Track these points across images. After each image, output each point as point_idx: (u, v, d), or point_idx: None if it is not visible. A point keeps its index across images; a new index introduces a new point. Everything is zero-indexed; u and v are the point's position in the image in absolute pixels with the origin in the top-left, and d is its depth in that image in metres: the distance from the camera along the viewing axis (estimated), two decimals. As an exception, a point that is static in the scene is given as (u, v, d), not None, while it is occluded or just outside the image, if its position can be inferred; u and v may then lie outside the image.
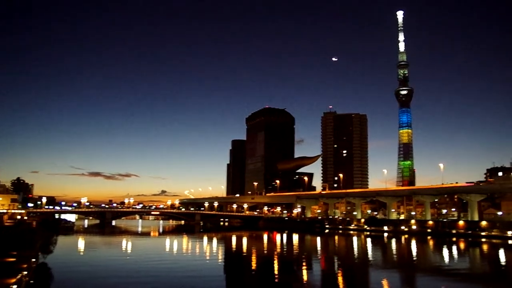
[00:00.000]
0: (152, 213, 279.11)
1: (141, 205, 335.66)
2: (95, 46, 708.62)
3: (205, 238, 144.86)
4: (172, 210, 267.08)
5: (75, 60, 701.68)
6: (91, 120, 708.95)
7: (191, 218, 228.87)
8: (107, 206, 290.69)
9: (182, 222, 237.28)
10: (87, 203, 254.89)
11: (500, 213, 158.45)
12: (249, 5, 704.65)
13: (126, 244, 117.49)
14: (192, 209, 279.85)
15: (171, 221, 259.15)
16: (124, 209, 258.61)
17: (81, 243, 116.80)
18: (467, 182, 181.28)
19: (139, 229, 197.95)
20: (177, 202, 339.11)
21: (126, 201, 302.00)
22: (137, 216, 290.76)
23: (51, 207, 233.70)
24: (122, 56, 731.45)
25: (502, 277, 69.87)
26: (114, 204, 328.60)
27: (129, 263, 79.07)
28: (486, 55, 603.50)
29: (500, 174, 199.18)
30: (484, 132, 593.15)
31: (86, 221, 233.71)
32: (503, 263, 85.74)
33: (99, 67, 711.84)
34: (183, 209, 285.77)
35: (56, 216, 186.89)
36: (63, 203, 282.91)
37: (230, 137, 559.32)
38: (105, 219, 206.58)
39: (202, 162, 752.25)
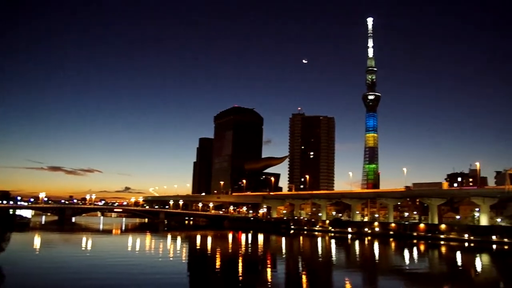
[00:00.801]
0: (115, 210, 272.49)
1: (103, 202, 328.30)
2: (61, 41, 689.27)
3: (169, 237, 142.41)
4: (135, 208, 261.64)
5: (34, 51, 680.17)
6: (52, 113, 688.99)
7: (155, 216, 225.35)
8: (67, 202, 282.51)
9: (146, 220, 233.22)
10: (46, 199, 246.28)
11: (458, 217, 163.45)
12: (220, 4, 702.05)
13: (86, 242, 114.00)
14: (156, 207, 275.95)
15: (134, 219, 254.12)
16: (85, 206, 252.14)
17: (37, 240, 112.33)
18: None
19: (101, 226, 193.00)
20: (141, 200, 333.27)
21: (88, 197, 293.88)
22: (99, 213, 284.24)
23: (4, 202, 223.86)
24: (87, 50, 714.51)
25: (458, 277, 71.78)
26: (75, 200, 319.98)
27: (88, 261, 76.36)
28: (451, 63, 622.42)
29: (459, 179, 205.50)
30: (446, 139, 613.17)
31: (43, 218, 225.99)
32: (459, 265, 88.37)
33: (62, 59, 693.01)
34: (147, 207, 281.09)
35: (11, 211, 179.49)
36: (18, 198, 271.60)
37: (198, 135, 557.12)
38: (64, 215, 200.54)
39: (168, 159, 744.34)
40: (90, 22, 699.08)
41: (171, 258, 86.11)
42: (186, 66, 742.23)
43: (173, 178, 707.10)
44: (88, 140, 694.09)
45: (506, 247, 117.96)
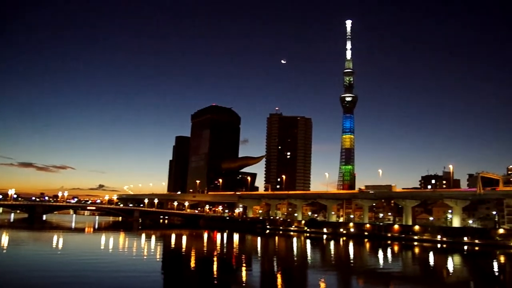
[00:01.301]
0: (88, 208, 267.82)
1: (76, 200, 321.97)
2: (32, 37, 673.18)
3: (143, 236, 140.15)
4: (109, 206, 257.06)
5: (9, 46, 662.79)
6: (24, 108, 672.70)
7: (130, 215, 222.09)
8: (38, 200, 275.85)
9: (120, 218, 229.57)
10: (15, 196, 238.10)
11: (431, 218, 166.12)
12: (200, 3, 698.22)
13: (57, 240, 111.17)
14: (131, 205, 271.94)
15: (108, 217, 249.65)
16: (57, 203, 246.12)
17: (4, 238, 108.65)
18: (403, 188, 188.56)
19: (73, 224, 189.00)
20: (115, 198, 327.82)
21: (60, 194, 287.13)
22: (72, 211, 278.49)
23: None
24: (63, 46, 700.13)
25: (430, 278, 72.97)
26: (46, 198, 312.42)
27: (59, 259, 74.43)
28: (428, 66, 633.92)
29: (433, 181, 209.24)
30: (422, 141, 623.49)
31: (12, 215, 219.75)
32: (432, 265, 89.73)
33: (33, 54, 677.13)
34: (122, 205, 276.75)
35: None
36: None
37: (174, 133, 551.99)
38: (34, 213, 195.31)
39: (143, 157, 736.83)
40: (64, 18, 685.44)
41: (145, 257, 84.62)
42: (164, 64, 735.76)
43: (148, 176, 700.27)
44: (61, 136, 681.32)
45: (477, 248, 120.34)
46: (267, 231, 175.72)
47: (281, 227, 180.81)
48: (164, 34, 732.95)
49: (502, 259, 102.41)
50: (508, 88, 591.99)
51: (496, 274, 79.71)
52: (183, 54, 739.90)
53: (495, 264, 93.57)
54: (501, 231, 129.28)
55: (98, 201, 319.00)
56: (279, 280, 63.26)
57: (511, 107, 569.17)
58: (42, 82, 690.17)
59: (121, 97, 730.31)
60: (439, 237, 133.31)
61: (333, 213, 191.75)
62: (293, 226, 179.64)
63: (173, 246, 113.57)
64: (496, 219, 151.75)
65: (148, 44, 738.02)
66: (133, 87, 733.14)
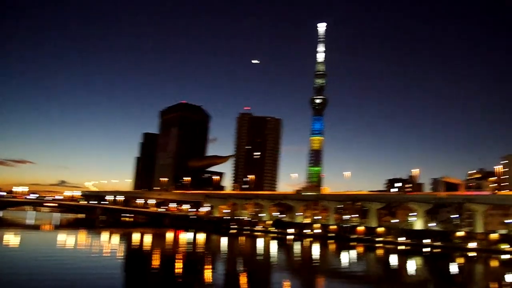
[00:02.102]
0: (48, 204, 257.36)
1: (35, 195, 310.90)
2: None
3: (106, 234, 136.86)
4: (71, 203, 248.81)
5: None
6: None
7: (92, 212, 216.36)
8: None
9: (82, 215, 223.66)
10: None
11: (395, 220, 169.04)
12: (170, 0, 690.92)
13: (13, 237, 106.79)
14: (94, 202, 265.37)
15: (70, 214, 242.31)
16: (14, 199, 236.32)
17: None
18: (369, 191, 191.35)
19: (31, 221, 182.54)
20: (77, 194, 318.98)
21: (15, 189, 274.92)
22: (30, 208, 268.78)
23: None
24: (23, 41, 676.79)
25: (391, 278, 74.41)
26: (2, 193, 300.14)
27: (13, 258, 71.23)
28: (396, 69, 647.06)
29: (398, 184, 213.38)
30: (389, 145, 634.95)
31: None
32: (394, 266, 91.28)
33: None
34: (84, 202, 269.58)
35: None
36: None
37: (142, 130, 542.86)
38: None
39: (109, 153, 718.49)
40: (30, 13, 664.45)
41: (106, 256, 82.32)
42: (133, 60, 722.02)
43: (113, 173, 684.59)
44: (20, 129, 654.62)
45: (438, 250, 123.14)
46: (233, 231, 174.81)
47: (247, 227, 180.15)
48: (134, 31, 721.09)
49: (460, 260, 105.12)
50: (473, 95, 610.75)
51: (454, 275, 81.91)
52: (153, 51, 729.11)
53: (453, 266, 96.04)
54: (460, 234, 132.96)
55: (59, 197, 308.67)
56: (243, 281, 62.60)
57: (475, 114, 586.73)
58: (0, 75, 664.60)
59: (87, 90, 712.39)
60: (402, 239, 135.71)
61: (299, 214, 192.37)
62: (259, 227, 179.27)
63: (136, 244, 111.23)
64: (456, 222, 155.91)
65: (117, 40, 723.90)
66: (100, 81, 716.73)
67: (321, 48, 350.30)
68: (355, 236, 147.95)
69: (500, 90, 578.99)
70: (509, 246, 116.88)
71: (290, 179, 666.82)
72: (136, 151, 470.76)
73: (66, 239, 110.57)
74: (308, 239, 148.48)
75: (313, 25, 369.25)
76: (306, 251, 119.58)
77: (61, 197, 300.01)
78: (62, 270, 57.11)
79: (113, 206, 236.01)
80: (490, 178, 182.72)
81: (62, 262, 66.05)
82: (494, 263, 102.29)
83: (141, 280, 59.30)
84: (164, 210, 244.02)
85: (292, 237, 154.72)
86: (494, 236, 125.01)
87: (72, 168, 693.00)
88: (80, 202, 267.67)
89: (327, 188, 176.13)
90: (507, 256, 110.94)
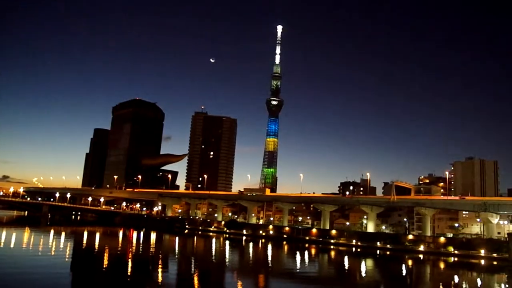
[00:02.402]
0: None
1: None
2: None
3: (52, 232, 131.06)
4: (14, 199, 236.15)
5: None
6: None
7: (38, 210, 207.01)
8: None
9: (26, 213, 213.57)
10: None
11: (348, 223, 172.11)
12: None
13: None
14: (40, 199, 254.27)
15: (12, 211, 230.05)
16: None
17: None
18: (322, 193, 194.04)
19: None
20: (22, 190, 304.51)
21: None
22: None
23: None
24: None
25: (343, 279, 75.61)
26: None
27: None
28: (351, 72, 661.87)
29: (351, 188, 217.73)
30: (342, 148, 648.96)
31: None
32: (346, 268, 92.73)
33: None
34: (29, 199, 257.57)
35: None
36: None
37: (93, 126, 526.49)
38: None
39: (57, 148, 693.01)
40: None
41: (52, 255, 78.41)
42: (86, 54, 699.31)
43: (61, 169, 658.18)
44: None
45: (388, 252, 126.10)
46: (186, 231, 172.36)
47: (200, 227, 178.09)
48: (86, 26, 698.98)
49: (409, 263, 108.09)
50: (426, 101, 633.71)
51: (403, 276, 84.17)
52: (107, 46, 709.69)
53: (403, 267, 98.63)
54: (410, 237, 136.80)
55: (1, 193, 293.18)
56: (195, 282, 61.39)
57: (426, 120, 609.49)
58: None
59: (36, 84, 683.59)
60: (354, 241, 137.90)
61: (253, 215, 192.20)
62: (213, 227, 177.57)
63: (84, 244, 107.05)
64: (407, 225, 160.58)
65: (68, 34, 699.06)
66: (51, 75, 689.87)
67: (278, 50, 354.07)
68: (308, 238, 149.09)
69: (451, 94, 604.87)
70: (453, 249, 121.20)
71: (245, 179, 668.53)
72: (87, 147, 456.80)
73: (9, 238, 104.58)
74: (262, 240, 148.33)
75: (270, 27, 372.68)
76: (260, 252, 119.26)
77: (3, 193, 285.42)
78: (5, 271, 53.57)
79: (61, 204, 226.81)
80: (440, 184, 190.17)
81: (7, 262, 62.29)
82: (441, 265, 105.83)
83: (91, 281, 56.69)
84: (115, 208, 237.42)
85: (246, 238, 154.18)
86: (442, 239, 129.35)
87: (16, 162, 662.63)
88: (24, 199, 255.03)
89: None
90: (454, 259, 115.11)
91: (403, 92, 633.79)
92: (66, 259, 76.55)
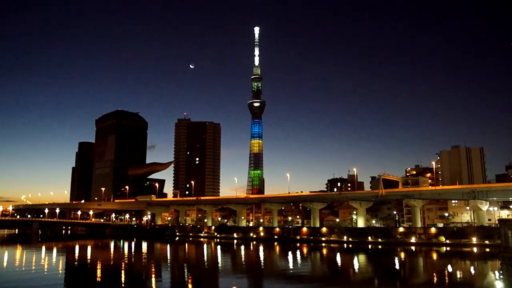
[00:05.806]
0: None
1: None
2: None
3: (44, 248, 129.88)
4: (3, 218, 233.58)
5: None
6: None
7: (28, 227, 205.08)
8: None
9: (16, 231, 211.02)
10: None
11: (338, 220, 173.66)
12: (106, 5, 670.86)
13: None
14: (29, 216, 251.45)
15: (2, 230, 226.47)
16: None
17: None
18: (310, 192, 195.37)
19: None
20: (10, 209, 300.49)
21: None
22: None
23: None
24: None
25: (336, 276, 76.16)
26: None
27: None
28: (333, 71, 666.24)
29: (338, 184, 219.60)
30: (327, 145, 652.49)
31: None
32: (339, 265, 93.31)
33: None
34: (18, 217, 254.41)
35: None
36: None
37: (78, 139, 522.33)
38: None
39: (43, 164, 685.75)
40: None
41: (45, 271, 77.97)
42: (67, 67, 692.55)
43: (49, 185, 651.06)
44: None
45: (380, 246, 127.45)
46: (177, 238, 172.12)
47: (191, 234, 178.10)
48: (69, 35, 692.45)
49: (402, 255, 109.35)
50: (408, 93, 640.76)
51: (397, 269, 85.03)
52: (86, 57, 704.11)
53: (396, 260, 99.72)
54: (401, 229, 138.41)
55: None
56: (189, 287, 61.68)
57: (410, 112, 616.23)
58: None
59: (18, 99, 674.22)
60: (345, 237, 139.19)
61: (243, 217, 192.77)
62: (203, 232, 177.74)
63: (77, 257, 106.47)
64: (397, 218, 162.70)
65: (49, 46, 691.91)
66: (33, 90, 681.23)
67: (257, 51, 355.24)
68: (299, 237, 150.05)
69: (435, 86, 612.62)
70: (445, 239, 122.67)
71: (232, 183, 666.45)
72: (73, 161, 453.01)
73: (1, 256, 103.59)
74: (253, 243, 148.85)
75: (248, 29, 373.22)
76: (252, 254, 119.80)
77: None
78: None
79: (50, 219, 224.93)
80: (427, 174, 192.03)
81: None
82: (434, 256, 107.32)
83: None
84: (105, 220, 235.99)
85: (237, 241, 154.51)
86: (433, 230, 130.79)
87: (4, 180, 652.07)
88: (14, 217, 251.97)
89: (269, 190, 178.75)
90: (447, 248, 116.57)
91: (384, 85, 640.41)
92: (60, 274, 76.28)
